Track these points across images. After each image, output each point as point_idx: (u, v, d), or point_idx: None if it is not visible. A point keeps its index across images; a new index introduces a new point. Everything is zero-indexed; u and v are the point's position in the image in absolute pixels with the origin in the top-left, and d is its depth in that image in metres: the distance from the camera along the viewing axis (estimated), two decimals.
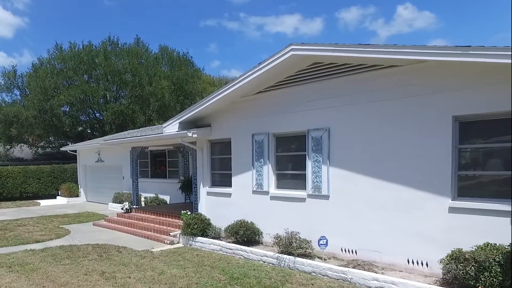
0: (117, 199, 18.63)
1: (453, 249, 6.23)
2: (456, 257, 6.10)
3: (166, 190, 17.13)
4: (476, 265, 5.81)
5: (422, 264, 6.99)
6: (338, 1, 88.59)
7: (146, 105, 30.82)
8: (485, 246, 6.01)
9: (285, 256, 8.08)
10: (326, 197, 8.38)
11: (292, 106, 9.04)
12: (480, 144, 6.66)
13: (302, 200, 8.84)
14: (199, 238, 10.14)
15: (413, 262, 7.10)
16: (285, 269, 7.92)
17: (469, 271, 5.85)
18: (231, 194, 10.50)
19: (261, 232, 9.51)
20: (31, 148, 31.20)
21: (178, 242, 10.76)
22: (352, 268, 7.24)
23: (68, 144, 28.43)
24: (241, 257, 8.93)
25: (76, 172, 24.77)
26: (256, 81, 9.18)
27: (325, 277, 7.32)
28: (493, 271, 5.63)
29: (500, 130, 6.33)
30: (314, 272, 7.53)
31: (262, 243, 9.51)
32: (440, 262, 6.34)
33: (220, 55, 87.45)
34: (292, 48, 8.14)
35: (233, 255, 9.14)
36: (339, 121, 8.16)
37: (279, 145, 9.55)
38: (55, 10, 66.42)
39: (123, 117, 29.41)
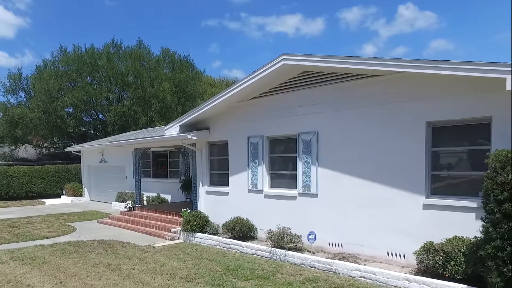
0: (120, 198, 19.41)
1: (425, 242, 6.97)
2: (427, 249, 6.84)
3: (168, 190, 17.89)
4: (444, 255, 6.55)
5: (400, 256, 7.73)
6: (340, 1, 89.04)
7: (148, 107, 31.60)
8: (453, 239, 6.74)
9: (277, 249, 8.83)
10: (315, 195, 9.13)
11: (284, 111, 9.79)
12: (451, 147, 7.40)
13: (293, 198, 9.59)
14: (198, 234, 10.90)
15: (392, 254, 7.85)
16: (277, 262, 8.66)
17: (437, 261, 6.59)
18: (228, 193, 11.26)
19: (256, 228, 10.27)
20: (35, 149, 32.04)
21: (178, 238, 11.52)
22: (338, 260, 7.98)
23: (71, 145, 29.20)
24: (237, 251, 9.68)
25: (80, 172, 25.59)
26: (251, 88, 9.94)
27: (312, 268, 8.06)
28: (458, 260, 6.37)
29: (467, 135, 7.08)
30: (303, 264, 8.27)
31: (256, 238, 10.26)
32: (415, 253, 7.08)
33: (221, 55, 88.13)
34: (283, 58, 8.88)
35: (230, 249, 9.89)
36: (327, 125, 8.90)
37: (272, 147, 10.30)
38: (56, 10, 67.44)
39: (125, 118, 30.19)
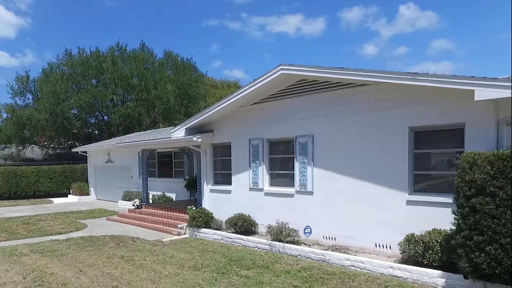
0: (127, 197, 20.32)
1: (408, 234, 7.85)
2: (409, 240, 7.73)
3: (172, 189, 18.78)
4: (423, 245, 7.44)
5: (386, 247, 8.62)
6: (340, 1, 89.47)
7: (152, 108, 32.48)
8: (432, 231, 7.62)
9: (276, 242, 9.73)
10: (311, 193, 10.02)
11: (283, 115, 10.68)
12: (430, 150, 8.28)
13: (291, 195, 10.48)
14: (203, 230, 11.80)
15: (379, 246, 8.74)
16: (276, 253, 9.56)
17: (418, 250, 7.48)
18: (231, 191, 12.15)
19: (257, 224, 11.16)
20: (41, 149, 32.98)
21: (184, 233, 12.42)
22: (331, 251, 8.87)
23: (76, 145, 30.11)
24: (239, 244, 10.58)
25: (86, 172, 26.53)
26: (252, 94, 10.83)
27: (308, 259, 8.95)
28: (435, 250, 7.26)
29: (444, 138, 7.98)
30: (299, 255, 9.16)
31: (257, 233, 11.15)
32: (399, 244, 7.96)
33: (222, 55, 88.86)
34: (281, 68, 9.77)
35: (232, 243, 10.79)
36: (322, 129, 9.79)
37: (272, 149, 11.19)
38: (56, 10, 68.45)
39: (129, 119, 31.12)
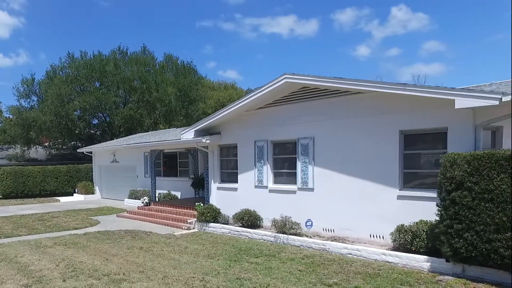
0: (133, 195, 21.29)
1: (399, 225, 8.92)
2: (399, 230, 8.81)
3: (178, 187, 19.77)
4: (411, 234, 8.52)
5: (379, 237, 9.69)
6: (333, 2, 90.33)
7: (153, 110, 33.50)
8: (419, 222, 8.69)
9: (280, 235, 10.78)
10: (312, 189, 11.08)
11: (286, 119, 11.73)
12: (418, 151, 9.36)
13: (293, 192, 11.53)
14: (211, 224, 12.83)
15: (373, 236, 9.80)
16: (280, 244, 10.60)
17: (407, 239, 8.56)
18: (237, 188, 13.19)
19: (261, 218, 12.20)
20: (45, 150, 33.88)
21: (193, 228, 13.44)
22: (330, 241, 9.93)
23: (79, 146, 31.04)
24: (246, 237, 11.62)
25: (90, 171, 27.47)
26: (258, 100, 11.88)
27: (309, 248, 10.00)
28: (421, 238, 8.35)
29: (430, 141, 9.07)
30: (302, 245, 10.21)
31: (262, 226, 12.18)
32: (390, 234, 9.04)
33: (216, 56, 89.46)
34: (285, 77, 10.82)
35: (240, 236, 11.82)
36: (322, 132, 10.85)
37: (275, 150, 12.23)
38: (50, 10, 69.03)
39: (131, 121, 32.11)
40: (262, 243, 10.88)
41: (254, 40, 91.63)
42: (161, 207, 16.09)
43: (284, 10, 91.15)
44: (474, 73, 77.61)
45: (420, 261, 8.12)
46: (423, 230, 8.40)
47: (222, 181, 13.91)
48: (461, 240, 7.21)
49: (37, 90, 31.93)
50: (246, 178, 12.85)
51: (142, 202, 17.18)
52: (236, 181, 13.23)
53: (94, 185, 26.21)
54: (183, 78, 34.56)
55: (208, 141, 13.22)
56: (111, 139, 31.87)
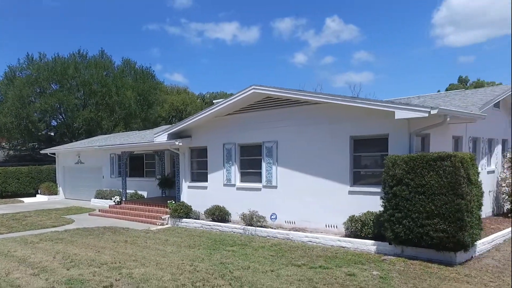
0: (99, 195, 21.50)
1: (350, 216, 10.28)
2: (351, 220, 10.17)
3: (144, 187, 20.25)
4: (361, 223, 9.91)
5: (334, 227, 11.03)
6: (273, 11, 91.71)
7: (113, 113, 33.40)
8: (367, 213, 10.08)
9: (249, 227, 11.86)
10: (275, 187, 12.26)
11: (252, 125, 12.81)
12: (365, 153, 10.80)
13: (259, 189, 12.66)
14: (184, 220, 13.68)
15: (329, 226, 11.14)
16: (249, 235, 11.67)
17: (357, 227, 9.94)
18: (207, 187, 14.11)
19: (230, 213, 13.20)
20: (3, 151, 32.76)
21: (167, 224, 14.20)
22: (293, 231, 11.14)
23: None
24: (218, 230, 12.59)
25: (51, 172, 27.06)
26: (227, 108, 12.90)
27: (275, 238, 11.16)
28: (369, 226, 9.74)
29: (375, 145, 10.52)
30: (268, 236, 11.35)
31: (231, 221, 13.18)
32: (344, 224, 10.39)
33: (162, 59, 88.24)
34: (253, 88, 11.91)
35: (211, 229, 12.77)
36: (284, 137, 12.04)
37: (242, 152, 13.29)
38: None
39: (92, 123, 31.88)
40: (233, 235, 11.91)
41: (199, 45, 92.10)
42: (133, 206, 16.64)
43: (227, 16, 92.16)
44: (399, 81, 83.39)
45: (368, 245, 9.51)
46: (370, 220, 9.81)
47: (193, 180, 14.78)
48: (400, 226, 8.65)
49: None
50: (216, 178, 13.81)
51: (114, 201, 17.61)
52: (206, 180, 14.16)
53: (58, 186, 25.92)
54: (142, 83, 34.75)
55: (180, 144, 14.05)
56: (71, 141, 31.46)
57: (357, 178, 10.81)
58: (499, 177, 13.85)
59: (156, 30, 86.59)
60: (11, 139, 30.54)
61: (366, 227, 9.79)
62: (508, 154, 14.16)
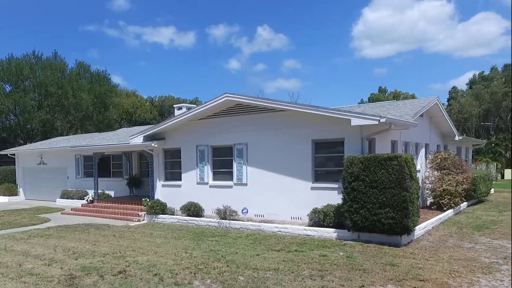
0: (65, 195, 21.23)
1: (313, 208, 11.53)
2: (314, 211, 11.42)
3: (111, 187, 20.32)
4: (323, 214, 11.19)
5: (298, 218, 12.23)
6: (208, 17, 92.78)
7: (70, 115, 32.57)
8: (327, 205, 11.36)
9: (223, 220, 12.76)
10: (246, 184, 13.26)
11: (224, 129, 13.70)
12: (324, 154, 12.10)
13: (230, 187, 13.59)
14: (160, 216, 14.27)
15: (294, 218, 12.32)
16: (224, 228, 12.55)
17: (320, 217, 11.21)
18: (181, 185, 14.79)
19: (203, 209, 13.98)
20: None
21: (143, 220, 14.68)
22: (264, 223, 12.20)
23: None
24: (193, 224, 13.35)
25: (8, 174, 25.97)
26: (200, 113, 13.71)
27: (248, 229, 12.13)
28: (330, 216, 11.04)
29: (333, 147, 11.85)
30: (241, 228, 12.31)
31: (204, 216, 13.97)
32: (308, 215, 11.62)
33: (101, 60, 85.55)
34: (226, 95, 12.83)
35: (188, 223, 13.50)
36: (253, 140, 13.07)
37: (215, 153, 14.14)
38: None
39: (48, 125, 30.91)
40: (209, 228, 12.74)
41: (138, 48, 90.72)
42: (106, 204, 16.85)
43: (165, 21, 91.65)
44: (324, 88, 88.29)
45: (330, 233, 10.79)
46: (331, 211, 11.11)
47: (167, 179, 15.38)
48: (358, 215, 10.00)
49: None
50: (189, 176, 14.54)
51: (87, 200, 17.66)
52: (180, 179, 14.83)
53: (18, 186, 25.05)
54: (99, 86, 34.21)
55: (156, 145, 14.62)
56: (25, 142, 30.32)
57: (318, 176, 12.09)
58: (423, 176, 15.84)
59: (94, 32, 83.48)
60: None
61: (327, 218, 11.08)
62: (430, 156, 16.27)
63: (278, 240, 10.59)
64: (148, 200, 15.02)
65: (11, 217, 16.07)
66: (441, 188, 14.74)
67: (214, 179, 14.14)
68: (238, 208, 13.01)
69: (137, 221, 14.52)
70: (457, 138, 19.54)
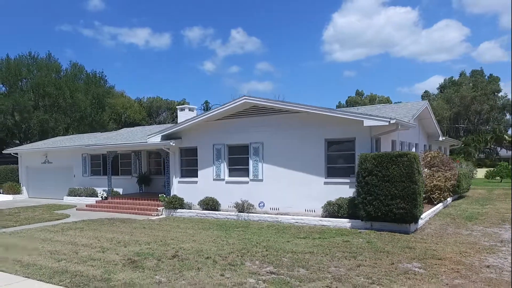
0: (73, 193, 21.35)
1: (327, 201, 12.38)
2: (329, 204, 12.28)
3: (119, 184, 20.55)
4: (337, 206, 12.07)
5: (312, 211, 13.06)
6: (183, 19, 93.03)
7: (67, 115, 32.43)
8: (339, 198, 12.27)
9: (241, 213, 13.46)
10: (261, 180, 14.01)
11: (240, 129, 14.40)
12: (336, 152, 13.01)
13: (246, 182, 14.31)
14: (179, 210, 14.83)
15: (308, 210, 13.15)
16: (243, 220, 13.23)
17: (334, 209, 12.09)
18: (197, 181, 15.39)
19: (220, 203, 14.63)
20: None
21: (161, 214, 15.19)
22: (281, 215, 12.97)
23: None
24: (212, 217, 13.98)
25: (9, 172, 25.86)
26: (218, 114, 14.39)
27: (266, 221, 12.87)
28: (344, 208, 11.93)
29: (344, 145, 12.76)
30: (260, 220, 13.04)
31: (220, 210, 14.61)
32: (321, 208, 12.46)
33: (77, 60, 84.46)
34: (245, 98, 13.56)
35: (206, 217, 14.11)
36: (269, 139, 13.83)
37: (230, 151, 14.81)
38: None
39: (46, 125, 30.71)
40: (229, 220, 13.41)
41: (113, 48, 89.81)
42: (120, 200, 17.23)
43: (140, 22, 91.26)
44: (296, 90, 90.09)
45: (345, 223, 11.67)
46: (345, 203, 12.00)
47: (182, 176, 15.94)
48: (371, 206, 10.92)
49: None
50: (205, 173, 15.16)
51: (101, 197, 18.00)
52: (196, 176, 15.43)
53: (21, 185, 24.92)
54: (96, 87, 34.19)
55: (173, 144, 15.18)
56: (21, 142, 30.02)
57: (330, 172, 12.96)
58: None
59: (69, 31, 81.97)
60: None
61: (341, 209, 11.97)
62: (421, 155, 17.42)
63: (298, 230, 11.38)
64: (164, 196, 15.53)
65: (29, 214, 16.23)
66: (431, 184, 15.82)
67: (230, 176, 14.82)
68: (254, 202, 13.74)
69: (156, 215, 15.01)
70: (441, 138, 20.91)
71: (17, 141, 32.34)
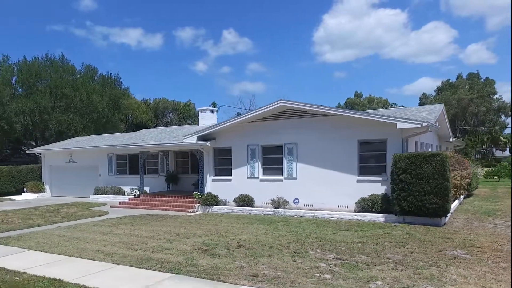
0: (99, 192, 21.98)
1: (361, 197, 13.25)
2: (362, 199, 13.16)
3: (146, 183, 21.20)
4: (371, 202, 12.95)
5: (345, 207, 13.92)
6: (175, 20, 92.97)
7: (85, 116, 33.01)
8: (372, 195, 13.14)
9: (277, 209, 14.28)
10: (295, 178, 14.85)
11: (274, 130, 15.22)
12: (368, 152, 13.89)
13: (281, 181, 15.14)
14: (215, 207, 15.63)
15: (341, 207, 14.00)
16: (279, 216, 14.05)
17: (368, 205, 12.96)
18: (231, 180, 16.19)
19: (254, 200, 15.44)
20: None
21: (197, 211, 15.96)
22: (316, 211, 13.80)
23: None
24: (248, 213, 14.78)
25: (30, 172, 26.46)
26: (253, 117, 15.23)
27: (302, 216, 13.71)
28: (377, 203, 12.81)
29: (376, 146, 13.63)
30: (296, 215, 13.87)
31: (254, 206, 15.41)
32: (355, 204, 13.33)
33: (68, 60, 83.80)
34: (281, 101, 14.40)
35: (243, 213, 14.91)
36: (303, 140, 14.68)
37: (264, 151, 15.64)
38: None
39: (65, 125, 31.29)
40: (265, 216, 14.22)
41: (105, 49, 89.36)
42: (154, 198, 17.96)
43: (133, 22, 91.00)
44: (288, 92, 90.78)
45: (379, 217, 12.55)
46: (378, 199, 12.88)
47: (216, 175, 16.73)
48: (405, 202, 11.80)
49: None
50: (240, 172, 15.97)
51: (134, 195, 18.72)
52: (230, 174, 16.24)
53: (44, 184, 25.51)
54: (112, 89, 34.82)
55: (208, 144, 15.98)
56: (36, 142, 30.51)
57: (362, 170, 13.83)
58: None
59: (60, 31, 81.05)
60: None
61: (375, 205, 12.85)
62: None
63: (336, 223, 12.23)
64: (198, 193, 16.29)
65: (67, 211, 16.85)
66: None
67: (263, 174, 15.63)
68: (289, 199, 14.57)
69: (192, 211, 15.78)
70: (451, 139, 21.90)
71: (33, 142, 32.84)
